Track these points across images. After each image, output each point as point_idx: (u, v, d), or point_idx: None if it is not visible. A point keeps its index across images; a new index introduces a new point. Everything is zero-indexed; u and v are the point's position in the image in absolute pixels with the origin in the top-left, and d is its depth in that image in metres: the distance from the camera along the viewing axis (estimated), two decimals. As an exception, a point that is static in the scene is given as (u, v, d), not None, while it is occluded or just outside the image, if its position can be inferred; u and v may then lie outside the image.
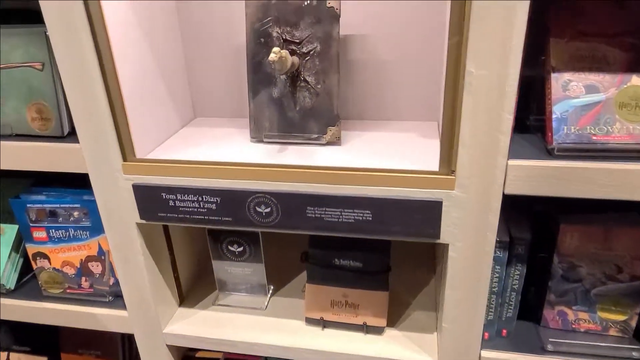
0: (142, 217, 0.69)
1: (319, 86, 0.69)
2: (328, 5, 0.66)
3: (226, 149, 0.71)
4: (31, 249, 0.79)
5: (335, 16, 0.67)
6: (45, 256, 0.79)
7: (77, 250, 0.78)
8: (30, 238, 0.78)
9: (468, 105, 0.54)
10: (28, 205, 0.76)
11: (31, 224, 0.77)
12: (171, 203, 0.67)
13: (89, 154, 0.68)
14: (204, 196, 0.66)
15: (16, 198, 0.76)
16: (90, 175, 0.70)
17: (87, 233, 0.77)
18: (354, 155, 0.67)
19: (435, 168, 0.59)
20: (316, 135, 0.71)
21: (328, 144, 0.71)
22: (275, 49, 0.59)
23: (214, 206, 0.66)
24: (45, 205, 0.76)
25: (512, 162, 0.55)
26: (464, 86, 0.53)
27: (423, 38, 0.73)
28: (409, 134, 0.74)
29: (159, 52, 0.74)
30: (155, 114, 0.73)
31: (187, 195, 0.66)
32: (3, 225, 0.82)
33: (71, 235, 0.77)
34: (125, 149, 0.67)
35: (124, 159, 0.67)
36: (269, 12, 0.68)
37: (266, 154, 0.69)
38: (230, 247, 0.79)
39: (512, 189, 0.57)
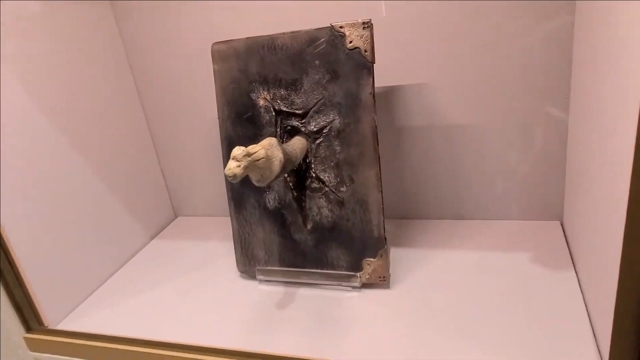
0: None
1: (342, 189, 0.39)
2: (349, 45, 0.36)
3: (194, 301, 0.42)
4: None
5: (364, 64, 0.36)
6: None
7: None
8: None
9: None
10: None
11: None
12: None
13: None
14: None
15: None
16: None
17: None
18: (427, 324, 0.35)
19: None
20: (345, 273, 0.40)
21: (365, 286, 0.40)
22: (236, 150, 0.30)
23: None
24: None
25: None
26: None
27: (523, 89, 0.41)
28: (511, 254, 0.41)
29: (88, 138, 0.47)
30: (102, 235, 0.46)
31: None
32: None
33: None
34: (26, 315, 0.40)
35: (28, 329, 0.41)
36: (249, 66, 0.39)
37: (261, 314, 0.39)
38: None
39: None
